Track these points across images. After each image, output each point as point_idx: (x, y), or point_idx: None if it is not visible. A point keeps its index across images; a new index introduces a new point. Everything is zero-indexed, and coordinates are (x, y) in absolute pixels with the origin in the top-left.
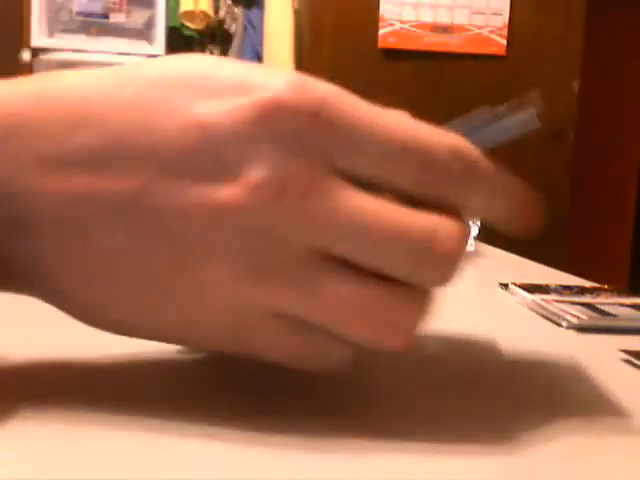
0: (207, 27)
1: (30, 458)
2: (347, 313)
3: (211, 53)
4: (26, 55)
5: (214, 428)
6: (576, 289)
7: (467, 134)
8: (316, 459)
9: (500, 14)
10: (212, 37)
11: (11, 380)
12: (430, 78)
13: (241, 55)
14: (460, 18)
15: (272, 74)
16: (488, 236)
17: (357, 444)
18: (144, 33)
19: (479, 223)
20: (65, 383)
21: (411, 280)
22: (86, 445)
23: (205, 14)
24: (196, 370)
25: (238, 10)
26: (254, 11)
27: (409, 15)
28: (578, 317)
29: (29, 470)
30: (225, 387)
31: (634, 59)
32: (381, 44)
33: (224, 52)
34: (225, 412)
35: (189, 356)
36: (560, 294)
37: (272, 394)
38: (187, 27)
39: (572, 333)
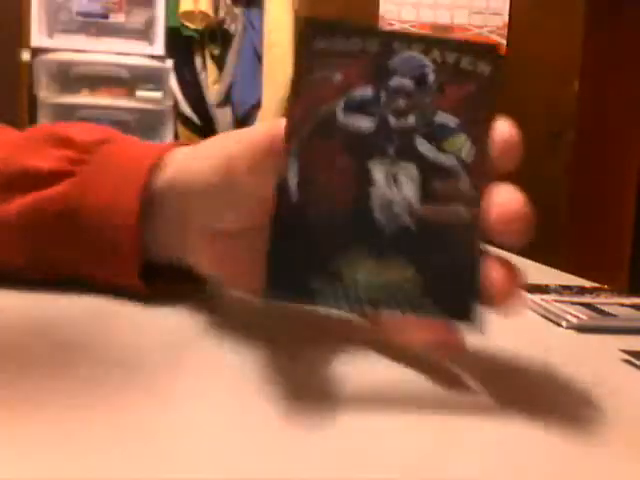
0: (207, 27)
1: (30, 458)
2: None
3: (211, 53)
4: (26, 55)
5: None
6: (576, 289)
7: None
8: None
9: (500, 14)
10: (212, 37)
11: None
12: None
13: (241, 55)
14: (460, 18)
15: None
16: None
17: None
18: (144, 33)
19: None
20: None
21: None
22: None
23: (205, 14)
24: (195, 370)
25: (238, 10)
26: (254, 11)
27: (409, 15)
28: (578, 317)
29: (29, 470)
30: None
31: (634, 59)
32: None
33: (224, 52)
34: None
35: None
36: (560, 294)
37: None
38: (187, 27)
39: (572, 333)
